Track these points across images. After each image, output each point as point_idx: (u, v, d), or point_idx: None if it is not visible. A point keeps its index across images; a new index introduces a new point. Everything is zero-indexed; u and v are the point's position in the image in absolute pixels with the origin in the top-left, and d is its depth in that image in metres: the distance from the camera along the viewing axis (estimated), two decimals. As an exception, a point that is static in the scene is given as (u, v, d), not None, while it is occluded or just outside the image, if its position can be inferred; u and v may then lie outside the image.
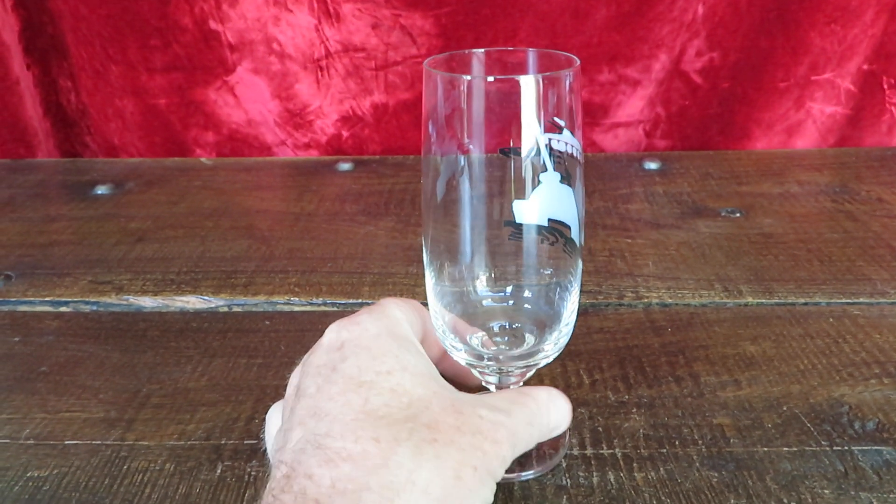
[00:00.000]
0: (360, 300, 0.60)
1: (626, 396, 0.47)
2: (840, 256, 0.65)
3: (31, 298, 0.61)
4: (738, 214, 0.74)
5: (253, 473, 0.42)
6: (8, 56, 0.92)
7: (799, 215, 0.73)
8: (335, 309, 0.59)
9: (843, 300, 0.58)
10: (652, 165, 0.86)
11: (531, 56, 0.38)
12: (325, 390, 0.33)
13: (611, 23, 0.88)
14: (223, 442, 0.44)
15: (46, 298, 0.61)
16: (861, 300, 0.58)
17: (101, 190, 0.84)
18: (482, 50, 0.38)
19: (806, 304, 0.58)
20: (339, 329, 0.36)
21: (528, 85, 0.34)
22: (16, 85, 0.93)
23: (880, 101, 0.90)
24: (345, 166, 0.89)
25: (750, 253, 0.66)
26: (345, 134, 0.96)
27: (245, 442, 0.44)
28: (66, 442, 0.45)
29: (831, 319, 0.55)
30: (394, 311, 0.37)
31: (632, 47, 0.89)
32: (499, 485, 0.40)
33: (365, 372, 0.33)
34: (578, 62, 0.35)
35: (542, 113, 0.34)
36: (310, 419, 0.32)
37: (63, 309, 0.60)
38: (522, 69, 0.38)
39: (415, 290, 0.61)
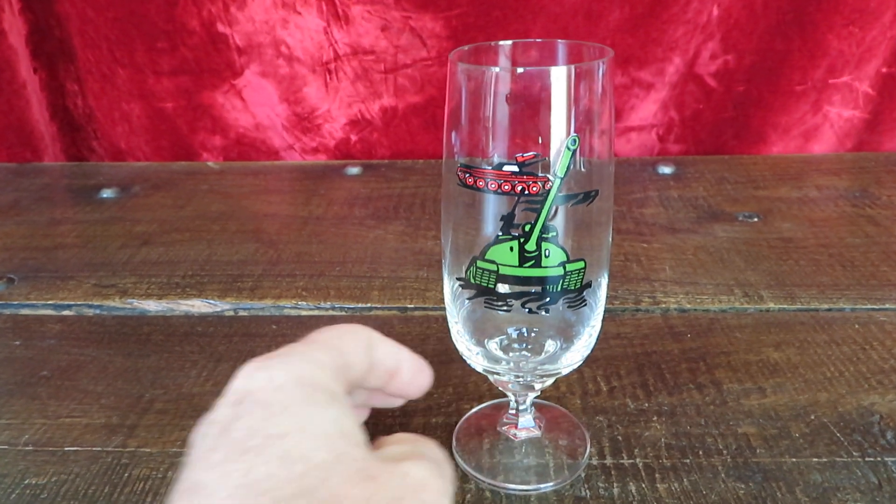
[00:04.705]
0: (369, 304, 0.58)
1: (646, 404, 0.46)
2: (863, 262, 0.63)
3: (34, 302, 0.60)
4: (755, 219, 0.72)
5: (258, 482, 0.40)
6: (15, 59, 0.91)
7: (819, 220, 0.71)
8: (343, 313, 0.58)
9: (869, 306, 0.56)
10: (666, 170, 0.85)
11: (560, 48, 0.36)
12: (207, 458, 0.27)
13: (624, 25, 0.86)
14: (228, 449, 0.43)
15: (49, 302, 0.60)
16: (887, 306, 0.56)
17: (106, 193, 0.83)
18: (509, 42, 0.37)
19: (830, 309, 0.56)
20: (248, 375, 0.29)
21: (559, 77, 0.32)
22: (22, 88, 0.93)
23: (899, 105, 0.88)
24: (353, 170, 0.88)
25: (770, 258, 0.64)
26: (353, 138, 0.95)
27: (250, 449, 0.43)
28: (66, 448, 0.43)
29: (857, 326, 0.54)
30: (315, 354, 0.30)
31: (645, 50, 0.88)
32: (516, 497, 0.39)
33: (254, 435, 0.27)
34: (612, 52, 0.33)
35: (572, 108, 0.32)
36: (185, 494, 0.26)
37: (66, 312, 0.59)
38: (550, 62, 0.37)
39: (425, 295, 0.59)
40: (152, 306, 0.59)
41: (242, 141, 0.96)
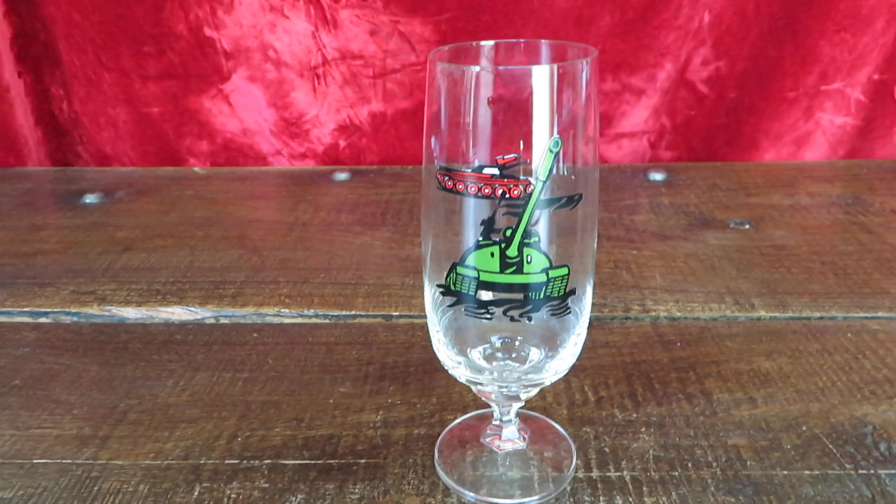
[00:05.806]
0: (353, 312, 0.57)
1: (635, 415, 0.45)
2: (856, 269, 0.62)
3: (10, 309, 0.58)
4: (747, 226, 0.71)
5: (233, 496, 0.39)
6: (-1, 63, 0.90)
7: (811, 227, 0.70)
8: (327, 321, 0.56)
9: (861, 314, 0.55)
10: (657, 177, 0.84)
11: (544, 48, 0.35)
12: None
13: (615, 30, 0.85)
14: (202, 461, 0.41)
15: (25, 309, 0.58)
16: (880, 314, 0.55)
17: (90, 199, 0.81)
18: (490, 42, 0.36)
19: (822, 318, 0.55)
20: None
21: (542, 75, 0.31)
22: (6, 93, 0.91)
23: (892, 112, 0.88)
24: (341, 176, 0.87)
25: (761, 265, 0.63)
26: (342, 143, 0.94)
27: (226, 462, 0.41)
28: (35, 461, 0.42)
29: (849, 335, 0.53)
30: None
31: (636, 55, 0.87)
32: (498, 510, 0.38)
33: None
34: (596, 51, 0.32)
35: (555, 108, 0.31)
36: None
37: (42, 320, 0.57)
38: (534, 63, 0.36)
39: (410, 302, 0.58)
40: (131, 314, 0.58)
41: (230, 146, 0.94)
